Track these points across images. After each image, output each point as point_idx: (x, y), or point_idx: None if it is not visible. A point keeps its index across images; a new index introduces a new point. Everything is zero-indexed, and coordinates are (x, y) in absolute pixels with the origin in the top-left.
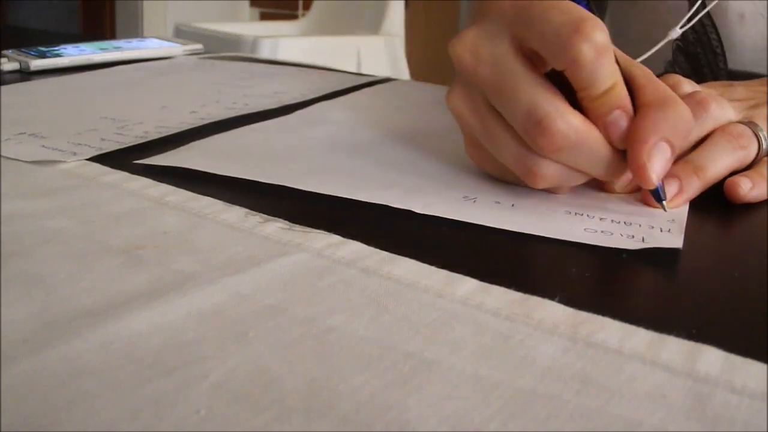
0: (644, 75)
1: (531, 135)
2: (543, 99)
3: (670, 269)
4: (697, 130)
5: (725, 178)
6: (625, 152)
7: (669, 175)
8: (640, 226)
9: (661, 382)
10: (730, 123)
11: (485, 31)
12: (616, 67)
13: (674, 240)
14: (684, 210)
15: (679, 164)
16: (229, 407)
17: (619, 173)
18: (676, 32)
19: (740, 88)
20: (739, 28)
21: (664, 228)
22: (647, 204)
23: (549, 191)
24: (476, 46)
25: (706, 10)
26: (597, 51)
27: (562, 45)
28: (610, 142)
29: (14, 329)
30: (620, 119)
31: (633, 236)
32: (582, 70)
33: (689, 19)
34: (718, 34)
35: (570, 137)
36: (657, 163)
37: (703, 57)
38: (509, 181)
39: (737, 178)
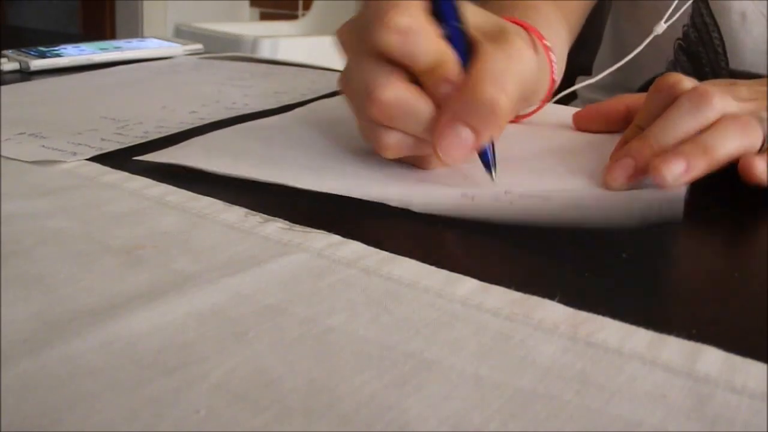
0: (485, 50)
1: (365, 106)
2: (376, 74)
3: (670, 269)
4: (700, 120)
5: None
6: None
7: (677, 153)
8: (640, 197)
9: (661, 382)
10: (738, 116)
11: (355, 19)
12: (437, 42)
13: (677, 194)
14: (683, 189)
15: (687, 144)
16: (229, 407)
17: None
18: (662, 27)
19: (743, 88)
20: (741, 28)
21: (666, 195)
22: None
23: (418, 166)
24: (343, 32)
25: (687, 4)
26: (401, 35)
27: (370, 33)
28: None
29: (14, 329)
30: (445, 90)
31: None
32: (394, 55)
33: (683, 16)
34: (720, 34)
35: (398, 105)
36: (448, 145)
37: (704, 56)
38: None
39: (752, 157)
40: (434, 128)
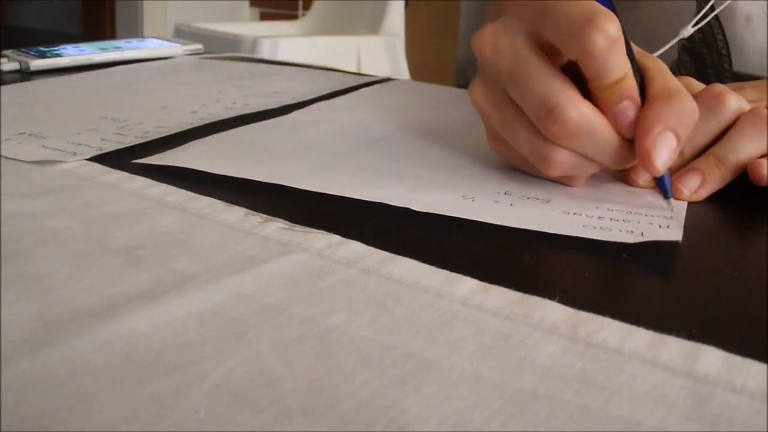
0: (656, 68)
1: (543, 123)
2: (555, 89)
3: (670, 269)
4: (714, 123)
5: None
6: (632, 142)
7: (691, 168)
8: (638, 222)
9: (661, 382)
10: (758, 105)
11: (505, 25)
12: (627, 59)
13: (673, 233)
14: (683, 206)
15: (701, 157)
16: (229, 407)
17: (626, 162)
18: (688, 31)
19: (750, 90)
20: (746, 30)
21: (663, 224)
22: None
23: (563, 183)
24: (496, 39)
25: (716, 12)
26: (609, 42)
27: (576, 35)
28: (619, 131)
29: (14, 329)
30: (628, 109)
31: (632, 231)
32: (594, 60)
33: (700, 19)
34: (724, 36)
35: (580, 125)
36: (661, 151)
37: (708, 57)
38: (527, 171)
39: (761, 160)
40: (643, 137)
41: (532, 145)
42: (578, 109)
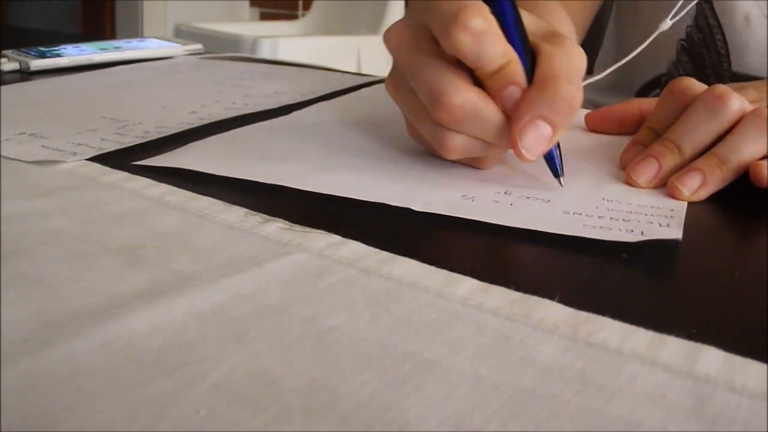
0: (547, 51)
1: (433, 110)
2: (442, 77)
3: (670, 269)
4: (716, 124)
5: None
6: None
7: (692, 168)
8: (638, 221)
9: (661, 382)
10: (759, 105)
11: (408, 21)
12: (505, 46)
13: (673, 232)
14: (683, 205)
15: (702, 157)
16: (229, 407)
17: None
18: (667, 24)
19: (752, 90)
20: (744, 30)
21: (663, 223)
22: (630, 183)
23: (473, 166)
24: (399, 33)
25: (692, 5)
26: (474, 36)
27: (444, 33)
28: (508, 114)
29: (14, 329)
30: (514, 94)
31: (632, 230)
32: (464, 55)
33: (687, 14)
34: (723, 35)
35: (465, 110)
36: (529, 141)
37: (707, 58)
38: (439, 156)
39: (762, 162)
40: (513, 125)
41: (431, 131)
42: (463, 96)
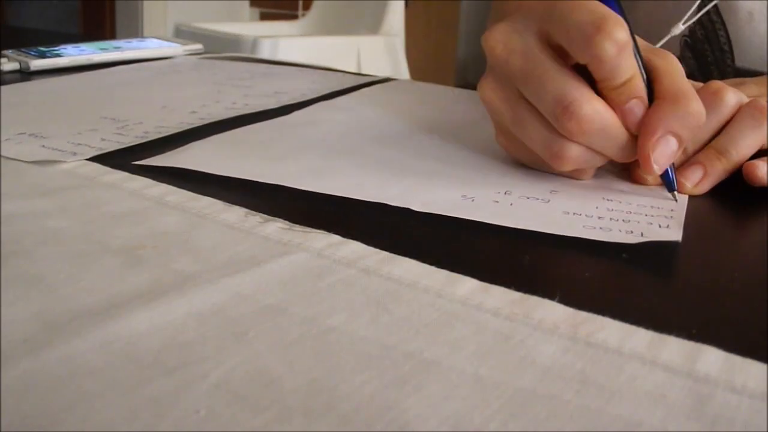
0: (664, 66)
1: (560, 119)
2: (570, 86)
3: (670, 269)
4: (714, 119)
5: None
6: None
7: (693, 161)
8: (638, 222)
9: (661, 382)
10: (756, 97)
11: (516, 26)
12: (634, 61)
13: (673, 234)
14: (683, 205)
15: (702, 151)
16: (229, 407)
17: (633, 156)
18: (679, 28)
19: (752, 85)
20: (747, 26)
21: (663, 224)
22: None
23: (572, 176)
24: (508, 39)
25: (708, 7)
26: (618, 47)
27: (586, 42)
28: (627, 128)
29: (14, 329)
30: (636, 107)
31: (632, 231)
32: (604, 65)
33: (694, 16)
34: (726, 32)
35: (594, 121)
36: (660, 154)
37: (710, 54)
38: (535, 166)
39: (756, 161)
40: (645, 139)
41: (545, 141)
42: (593, 106)
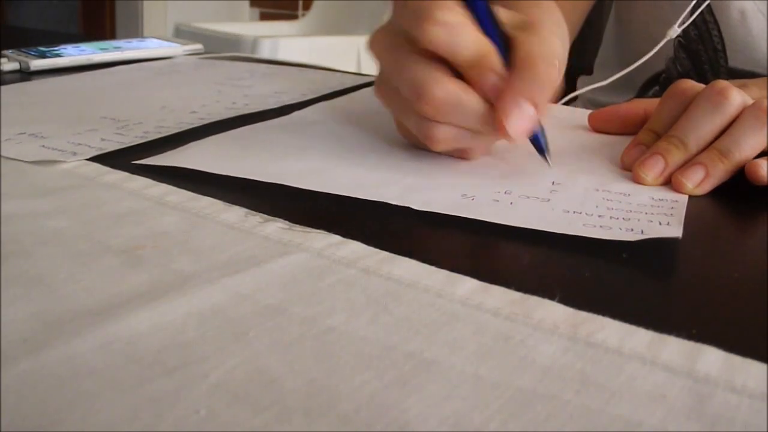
0: (522, 38)
1: (416, 104)
2: (423, 72)
3: (670, 269)
4: (718, 119)
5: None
6: None
7: (695, 162)
8: (639, 220)
9: (661, 382)
10: (760, 98)
11: (388, 25)
12: (478, 36)
13: (673, 230)
14: (683, 203)
15: (704, 152)
16: (229, 407)
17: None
18: (675, 31)
19: (754, 88)
20: (740, 25)
21: (663, 222)
22: (637, 181)
23: (463, 157)
24: (379, 37)
25: (701, 8)
26: (446, 28)
27: (419, 30)
28: (489, 101)
29: (14, 329)
30: (492, 80)
31: (632, 229)
32: (438, 46)
33: (689, 17)
34: (719, 32)
35: (447, 100)
36: (514, 119)
37: (704, 54)
38: (426, 148)
39: (758, 160)
40: (498, 107)
41: (417, 125)
42: (444, 87)
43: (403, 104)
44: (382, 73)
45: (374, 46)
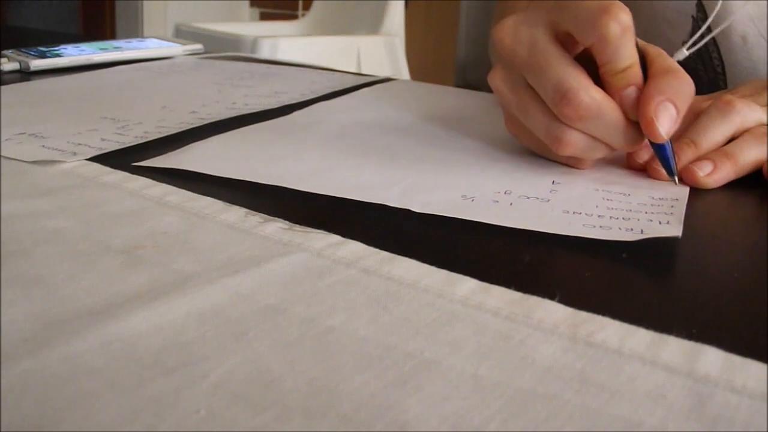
0: (655, 52)
1: (558, 105)
2: (569, 75)
3: (670, 269)
4: (725, 128)
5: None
6: (638, 124)
7: (703, 157)
8: (638, 220)
9: (661, 382)
10: (760, 125)
11: (524, 18)
12: (635, 49)
13: (673, 229)
14: (683, 202)
15: (712, 152)
16: (229, 407)
17: (633, 142)
18: (683, 53)
19: (742, 88)
20: (741, 50)
21: (663, 221)
22: (654, 177)
23: (572, 165)
24: (515, 30)
25: (711, 36)
26: (622, 29)
27: (592, 22)
28: (625, 114)
29: (14, 329)
30: (633, 93)
31: (632, 229)
32: (608, 46)
33: (694, 43)
34: (720, 54)
35: (591, 108)
36: (663, 118)
37: (703, 74)
38: (540, 152)
39: None
40: (646, 106)
41: (547, 126)
42: (589, 94)
43: (531, 103)
44: (510, 65)
45: (507, 38)
